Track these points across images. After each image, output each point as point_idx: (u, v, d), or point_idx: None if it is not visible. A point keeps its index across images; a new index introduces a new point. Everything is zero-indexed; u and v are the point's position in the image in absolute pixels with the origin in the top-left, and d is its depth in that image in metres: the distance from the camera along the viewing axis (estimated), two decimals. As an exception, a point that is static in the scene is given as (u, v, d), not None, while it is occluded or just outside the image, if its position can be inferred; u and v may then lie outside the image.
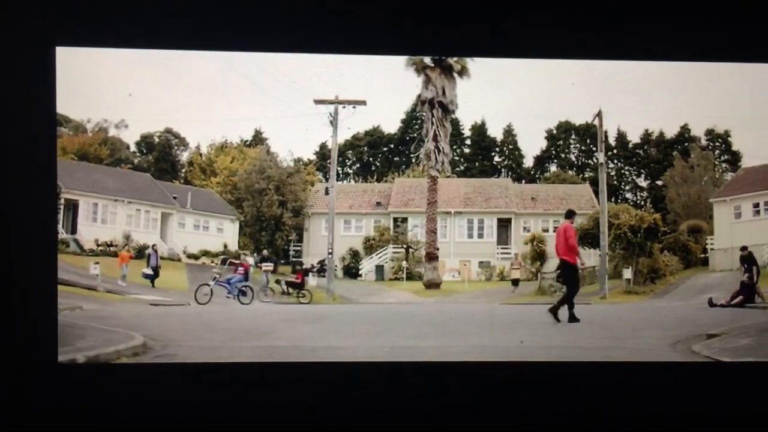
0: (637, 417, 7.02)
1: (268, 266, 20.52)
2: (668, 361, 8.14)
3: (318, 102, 19.00)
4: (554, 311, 11.86)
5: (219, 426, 7.00)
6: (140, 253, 19.81)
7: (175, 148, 25.87)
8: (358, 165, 26.73)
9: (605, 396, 7.11)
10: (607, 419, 7.00)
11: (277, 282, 19.36)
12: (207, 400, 7.02)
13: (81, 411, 6.93)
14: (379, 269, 22.34)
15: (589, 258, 21.06)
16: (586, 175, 25.09)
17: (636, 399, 7.08)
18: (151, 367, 7.91)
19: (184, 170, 25.60)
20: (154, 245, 20.01)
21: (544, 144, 25.87)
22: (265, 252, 21.68)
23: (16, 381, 6.94)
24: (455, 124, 23.36)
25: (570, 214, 13.66)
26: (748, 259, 16.44)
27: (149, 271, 19.08)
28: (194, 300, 16.79)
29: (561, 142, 26.07)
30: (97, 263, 17.66)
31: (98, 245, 20.25)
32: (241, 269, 18.02)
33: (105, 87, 15.74)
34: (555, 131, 25.71)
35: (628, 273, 19.83)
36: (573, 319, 11.82)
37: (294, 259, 23.08)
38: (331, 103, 19.16)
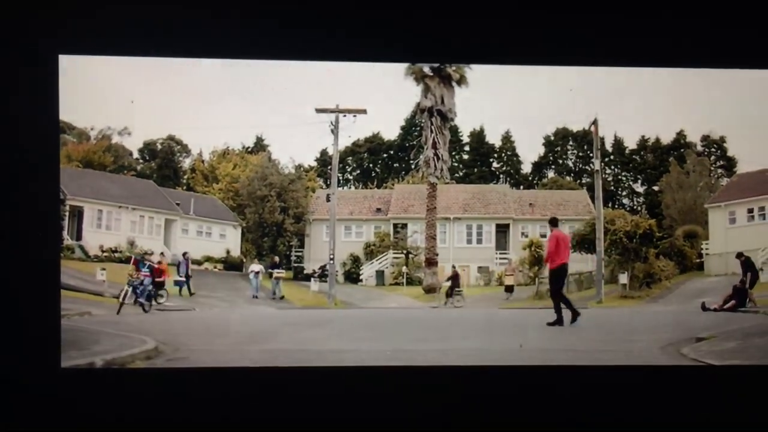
0: (624, 419, 7.15)
1: (280, 273, 20.33)
2: (655, 364, 8.26)
3: (319, 111, 19.21)
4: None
5: (231, 428, 7.10)
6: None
7: (178, 154, 26.06)
8: (358, 171, 26.91)
9: (594, 399, 7.26)
10: (597, 421, 7.14)
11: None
12: (220, 404, 7.10)
13: (86, 416, 6.97)
14: (380, 274, 22.49)
15: (585, 263, 21.38)
16: (584, 181, 25.23)
17: (623, 402, 7.19)
18: (156, 372, 8.01)
19: (186, 177, 25.74)
20: (185, 253, 19.99)
21: (542, 150, 26.11)
22: (276, 258, 21.50)
23: (21, 387, 6.98)
24: (454, 130, 23.54)
25: (557, 222, 13.84)
26: (746, 264, 16.62)
27: (181, 278, 19.00)
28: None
29: (558, 148, 26.25)
30: (104, 269, 17.78)
31: (103, 251, 20.39)
32: (146, 270, 16.20)
33: (108, 94, 15.83)
34: (552, 137, 25.88)
35: (624, 278, 19.98)
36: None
37: (296, 265, 23.27)
38: (332, 111, 19.32)
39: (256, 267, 20.48)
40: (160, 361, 8.43)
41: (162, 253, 20.07)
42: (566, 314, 12.09)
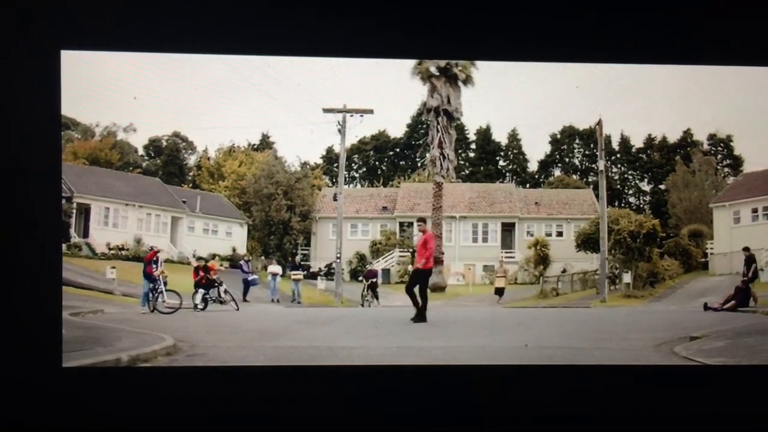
0: (617, 416, 7.31)
1: (298, 274, 19.98)
2: (645, 364, 8.39)
3: (327, 111, 19.24)
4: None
5: (245, 426, 7.26)
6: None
7: (183, 151, 26.14)
8: (364, 169, 26.96)
9: (589, 396, 7.41)
10: (592, 418, 7.30)
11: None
12: (237, 400, 7.28)
13: (87, 415, 7.05)
14: (386, 273, 22.54)
15: (591, 262, 21.46)
16: (590, 180, 25.23)
17: (615, 399, 7.38)
18: (159, 371, 8.01)
19: (192, 174, 25.83)
20: (245, 255, 20.26)
21: (548, 148, 26.15)
22: (298, 258, 21.42)
23: (23, 386, 7.08)
24: (460, 128, 23.53)
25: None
26: (748, 259, 16.68)
27: (254, 277, 19.26)
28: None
29: (565, 147, 26.27)
30: (114, 267, 17.91)
31: (110, 249, 20.48)
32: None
33: (113, 90, 15.78)
34: (559, 136, 25.91)
35: (627, 277, 20.02)
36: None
37: (302, 263, 23.34)
38: (339, 111, 19.38)
39: (275, 269, 20.34)
40: (180, 357, 8.58)
41: (216, 256, 20.24)
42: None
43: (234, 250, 23.09)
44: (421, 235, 13.28)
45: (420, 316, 12.44)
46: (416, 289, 12.70)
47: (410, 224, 23.61)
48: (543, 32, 7.65)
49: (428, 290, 15.83)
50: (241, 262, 19.59)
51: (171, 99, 19.75)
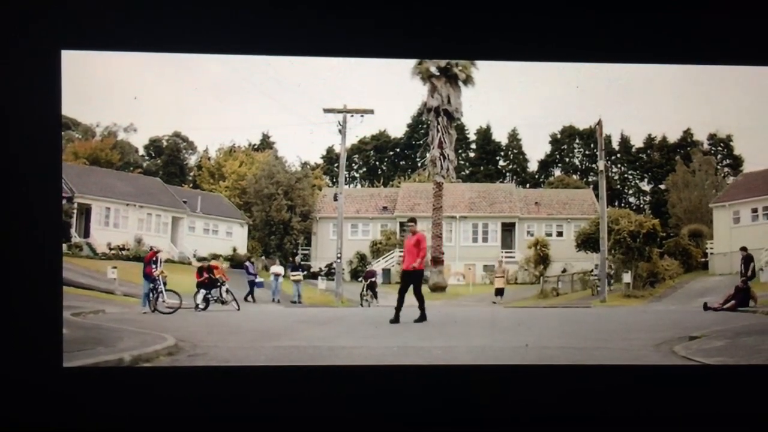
0: (615, 416, 7.31)
1: (297, 275, 19.86)
2: (645, 364, 8.43)
3: (327, 111, 19.27)
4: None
5: (245, 426, 7.24)
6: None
7: (184, 151, 26.16)
8: (364, 169, 26.98)
9: (586, 397, 7.41)
10: (588, 420, 7.30)
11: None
12: (237, 400, 7.26)
13: (88, 415, 7.03)
14: (386, 273, 22.48)
15: (590, 262, 21.46)
16: (590, 179, 25.26)
17: (612, 400, 7.38)
18: (161, 372, 8.02)
19: (192, 174, 25.84)
20: (250, 256, 20.31)
21: (548, 148, 26.17)
22: (298, 259, 21.35)
23: (24, 386, 7.05)
24: (460, 128, 23.57)
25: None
26: (745, 259, 16.70)
27: (260, 280, 19.36)
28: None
29: (565, 147, 26.29)
30: (115, 267, 17.94)
31: (110, 249, 20.51)
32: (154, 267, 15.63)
33: (113, 91, 15.79)
34: (559, 136, 25.94)
35: (627, 277, 20.06)
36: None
37: (302, 263, 23.35)
38: (339, 112, 19.40)
39: (278, 269, 20.32)
40: (182, 357, 8.60)
41: (220, 256, 20.27)
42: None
43: (234, 250, 23.10)
44: (412, 235, 13.23)
45: (395, 317, 12.46)
46: (410, 290, 12.71)
47: (410, 224, 23.58)
48: (543, 32, 7.64)
49: (429, 290, 15.95)
50: (247, 264, 19.60)
51: (171, 99, 19.88)
